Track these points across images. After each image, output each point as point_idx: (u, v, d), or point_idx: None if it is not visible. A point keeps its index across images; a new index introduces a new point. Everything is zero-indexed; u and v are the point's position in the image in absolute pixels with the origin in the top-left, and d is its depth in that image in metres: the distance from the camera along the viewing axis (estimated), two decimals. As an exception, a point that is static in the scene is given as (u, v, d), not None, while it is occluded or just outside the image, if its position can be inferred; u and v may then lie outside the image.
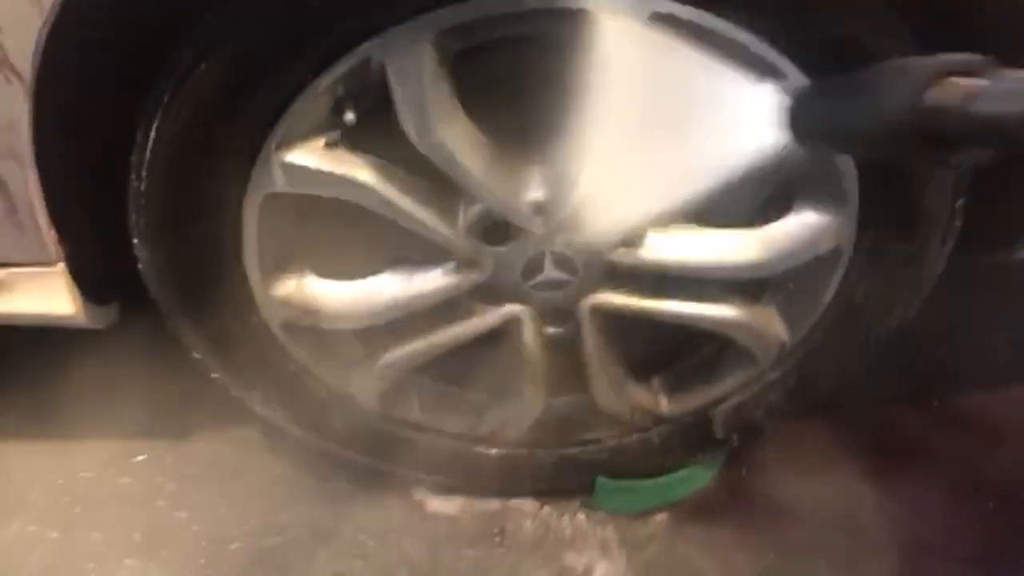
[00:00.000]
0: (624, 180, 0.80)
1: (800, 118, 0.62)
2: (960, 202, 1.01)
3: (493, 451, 1.25)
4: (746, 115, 0.67)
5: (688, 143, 0.71)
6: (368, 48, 0.85)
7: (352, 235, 1.07)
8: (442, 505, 1.30)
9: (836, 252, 1.05)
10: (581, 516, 1.28)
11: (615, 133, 0.77)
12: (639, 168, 0.77)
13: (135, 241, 0.99)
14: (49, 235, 0.97)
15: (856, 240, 1.04)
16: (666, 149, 0.73)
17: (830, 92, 0.62)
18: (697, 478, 1.31)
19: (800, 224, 1.03)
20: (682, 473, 1.29)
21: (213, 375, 1.14)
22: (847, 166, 0.97)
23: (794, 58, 0.87)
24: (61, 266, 1.01)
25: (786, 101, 0.64)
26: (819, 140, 0.63)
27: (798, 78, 0.88)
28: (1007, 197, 1.06)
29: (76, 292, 1.04)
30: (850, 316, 1.13)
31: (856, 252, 1.05)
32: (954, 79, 0.55)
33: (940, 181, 1.00)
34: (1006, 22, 0.88)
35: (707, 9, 0.83)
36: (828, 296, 1.10)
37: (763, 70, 0.88)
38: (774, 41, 0.86)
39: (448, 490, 1.30)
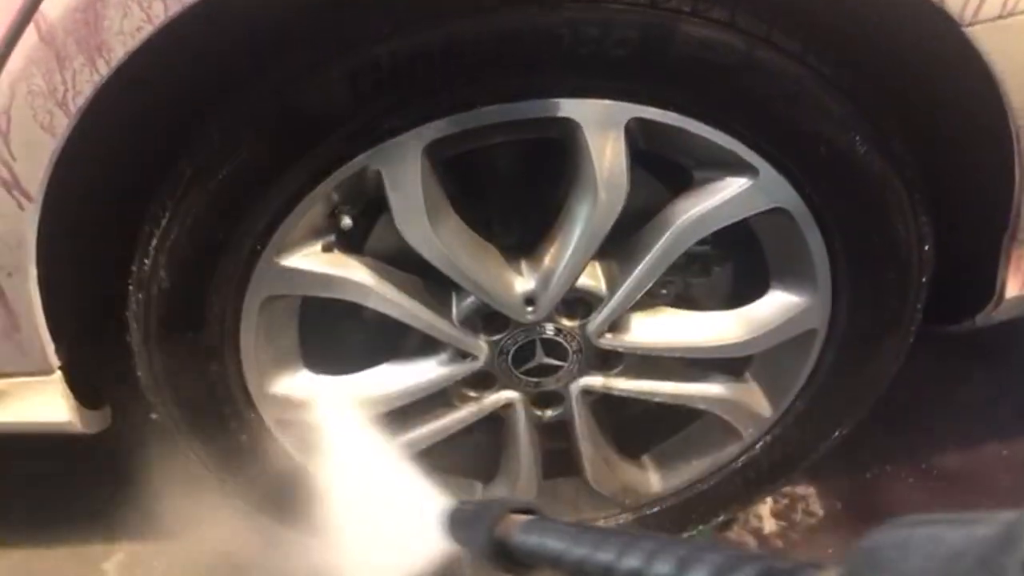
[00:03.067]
0: None
1: (451, 530, 0.78)
2: (925, 278, 1.07)
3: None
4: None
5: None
6: (363, 159, 0.90)
7: (347, 330, 1.10)
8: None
9: (812, 331, 1.10)
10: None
11: None
12: None
13: (135, 350, 1.01)
14: (48, 346, 0.99)
15: (831, 319, 1.08)
16: None
17: (459, 519, 0.77)
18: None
19: (775, 306, 1.08)
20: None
21: (207, 470, 1.14)
22: (818, 250, 1.02)
23: (765, 156, 0.93)
24: (58, 375, 1.03)
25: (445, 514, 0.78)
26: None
27: (770, 173, 0.94)
28: (968, 269, 1.12)
29: (72, 399, 1.05)
30: (831, 387, 1.17)
31: (832, 329, 1.10)
32: (513, 516, 0.70)
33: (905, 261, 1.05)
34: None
35: (682, 113, 0.90)
36: (807, 370, 1.15)
37: (738, 167, 0.94)
38: (746, 140, 0.92)
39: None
